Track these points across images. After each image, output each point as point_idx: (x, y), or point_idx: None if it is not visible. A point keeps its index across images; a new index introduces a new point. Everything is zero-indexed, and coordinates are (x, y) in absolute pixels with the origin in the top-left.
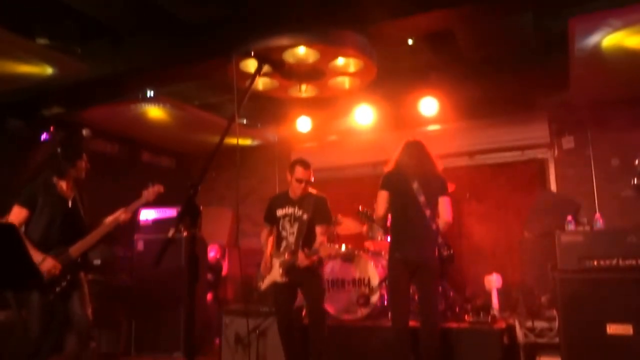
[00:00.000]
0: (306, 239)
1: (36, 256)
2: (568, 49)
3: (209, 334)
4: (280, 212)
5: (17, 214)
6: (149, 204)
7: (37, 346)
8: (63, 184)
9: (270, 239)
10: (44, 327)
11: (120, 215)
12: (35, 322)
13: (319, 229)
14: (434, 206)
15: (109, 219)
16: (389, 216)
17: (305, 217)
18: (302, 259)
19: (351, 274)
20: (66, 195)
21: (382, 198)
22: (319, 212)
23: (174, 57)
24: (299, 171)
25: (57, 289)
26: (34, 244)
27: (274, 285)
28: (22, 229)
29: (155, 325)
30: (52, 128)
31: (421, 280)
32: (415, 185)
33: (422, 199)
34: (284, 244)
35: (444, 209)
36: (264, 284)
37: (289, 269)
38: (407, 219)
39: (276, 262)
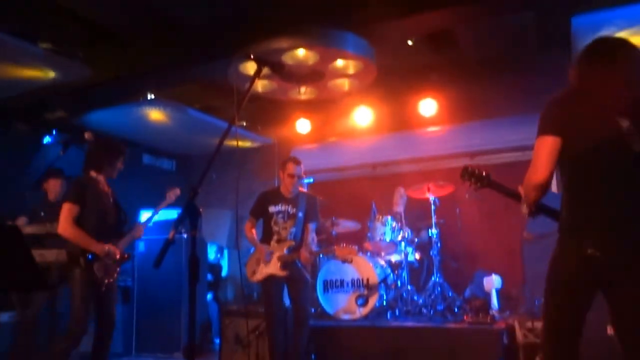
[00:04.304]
0: (300, 235)
1: (98, 247)
2: (570, 48)
3: (209, 334)
4: (273, 209)
5: (69, 211)
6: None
7: (78, 338)
8: (101, 179)
9: (254, 231)
10: (87, 319)
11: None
12: (83, 313)
13: (310, 227)
14: None
15: (142, 222)
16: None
17: (300, 214)
18: (305, 257)
19: (350, 274)
20: (106, 190)
21: (547, 148)
22: (311, 211)
23: (175, 60)
24: (291, 167)
25: (110, 281)
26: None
27: (269, 278)
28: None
29: (156, 326)
30: (55, 131)
31: (629, 295)
32: (624, 124)
33: (637, 147)
34: (275, 238)
35: None
36: (259, 275)
37: (287, 263)
38: (605, 184)
39: (274, 255)
